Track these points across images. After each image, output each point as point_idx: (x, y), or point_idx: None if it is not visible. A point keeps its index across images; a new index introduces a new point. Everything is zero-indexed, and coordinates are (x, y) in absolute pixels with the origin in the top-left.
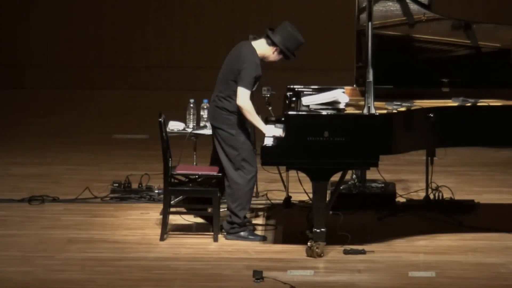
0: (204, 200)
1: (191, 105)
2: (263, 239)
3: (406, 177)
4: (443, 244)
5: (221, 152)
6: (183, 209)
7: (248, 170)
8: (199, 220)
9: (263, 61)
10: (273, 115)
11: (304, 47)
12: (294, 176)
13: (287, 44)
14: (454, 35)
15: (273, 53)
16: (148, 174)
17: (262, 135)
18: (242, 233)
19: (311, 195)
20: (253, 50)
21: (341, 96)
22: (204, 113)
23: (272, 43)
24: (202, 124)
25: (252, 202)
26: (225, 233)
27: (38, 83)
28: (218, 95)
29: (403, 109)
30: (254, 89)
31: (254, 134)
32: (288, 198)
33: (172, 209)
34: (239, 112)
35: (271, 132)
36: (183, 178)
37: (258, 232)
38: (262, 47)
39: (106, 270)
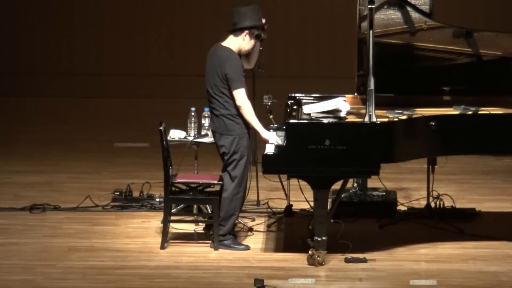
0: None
1: (192, 114)
2: (247, 248)
3: (407, 185)
4: (444, 252)
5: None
6: (183, 218)
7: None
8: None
9: (242, 55)
10: (274, 123)
11: (306, 55)
12: (295, 184)
13: (250, 20)
14: (455, 43)
15: (244, 39)
16: (149, 182)
17: (263, 144)
18: (226, 242)
19: (312, 204)
20: (228, 48)
21: (342, 104)
22: (205, 122)
23: (236, 30)
24: (203, 132)
25: (253, 210)
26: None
27: (40, 91)
28: (215, 113)
29: (404, 117)
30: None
31: (255, 143)
32: (289, 206)
33: (172, 218)
34: (239, 114)
35: (269, 136)
36: (183, 187)
37: (259, 241)
38: (233, 42)
39: (107, 279)
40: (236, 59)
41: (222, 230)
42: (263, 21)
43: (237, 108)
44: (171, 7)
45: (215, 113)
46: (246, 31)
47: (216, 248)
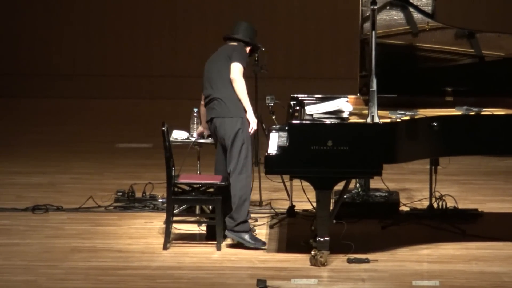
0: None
1: (195, 114)
2: (263, 244)
3: (409, 186)
4: (446, 253)
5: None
6: (186, 218)
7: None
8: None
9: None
10: (276, 124)
11: (308, 55)
12: (297, 185)
13: (252, 38)
14: (457, 44)
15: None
16: (151, 183)
17: (266, 145)
18: (245, 236)
19: (314, 204)
20: (234, 44)
21: (344, 105)
22: None
23: (246, 43)
24: (206, 133)
25: (256, 211)
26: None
27: (42, 92)
28: (216, 97)
29: (406, 118)
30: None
31: (258, 143)
32: (291, 207)
33: (175, 218)
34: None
35: (252, 120)
36: (186, 187)
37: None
38: None
39: (109, 279)
40: (244, 50)
41: (240, 218)
42: (256, 45)
43: (234, 93)
44: (174, 9)
45: (216, 96)
46: (250, 47)
47: (218, 248)
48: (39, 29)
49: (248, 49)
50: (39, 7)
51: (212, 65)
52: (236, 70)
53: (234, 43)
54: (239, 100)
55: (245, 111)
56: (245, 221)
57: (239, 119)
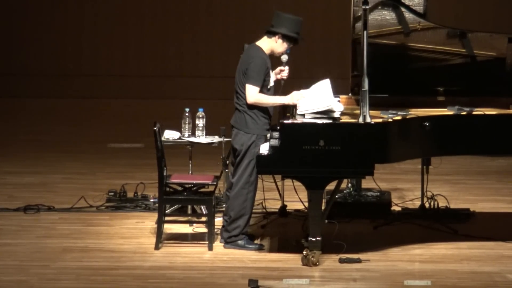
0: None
1: (187, 114)
2: (261, 247)
3: (401, 185)
4: (438, 252)
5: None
6: (178, 218)
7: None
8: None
9: (274, 56)
10: None
11: (300, 56)
12: (289, 185)
13: (286, 27)
14: (449, 44)
15: (277, 42)
16: (143, 183)
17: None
18: (239, 242)
19: (306, 204)
20: (258, 48)
21: (336, 105)
22: (199, 122)
23: (270, 33)
24: (197, 133)
25: None
26: (222, 242)
27: (34, 92)
28: (239, 109)
29: (398, 117)
30: (270, 86)
31: None
32: (283, 207)
33: (167, 218)
34: (261, 113)
35: (292, 96)
36: (178, 187)
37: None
38: (265, 43)
39: (101, 279)
40: (259, 58)
41: (234, 231)
42: (298, 34)
43: (261, 107)
44: (164, 9)
45: (239, 108)
46: (278, 35)
47: (210, 248)
48: (29, 30)
49: (281, 40)
50: (31, 9)
51: (236, 74)
52: (249, 94)
53: (261, 45)
54: (262, 117)
55: (266, 129)
56: (238, 235)
57: (253, 136)
